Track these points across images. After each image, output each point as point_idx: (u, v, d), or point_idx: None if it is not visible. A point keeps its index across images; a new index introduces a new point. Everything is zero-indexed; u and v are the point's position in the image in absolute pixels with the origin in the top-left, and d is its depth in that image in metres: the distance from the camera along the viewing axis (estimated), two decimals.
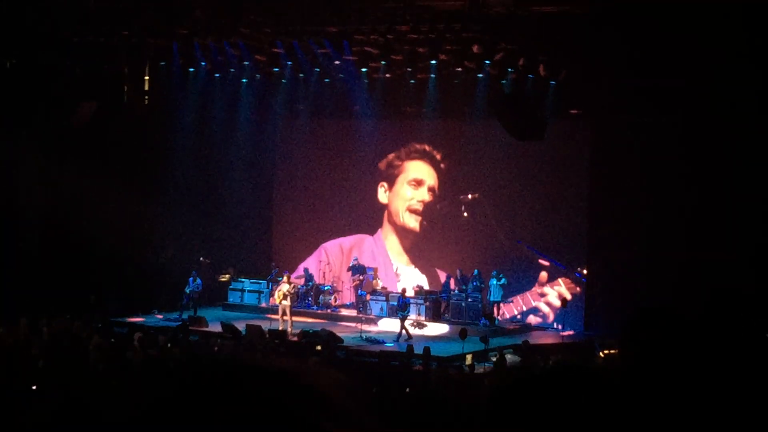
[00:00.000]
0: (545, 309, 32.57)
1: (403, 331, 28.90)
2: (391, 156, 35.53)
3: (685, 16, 25.46)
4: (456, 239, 34.17)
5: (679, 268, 28.00)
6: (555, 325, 31.95)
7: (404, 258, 35.40)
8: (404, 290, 30.44)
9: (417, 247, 35.20)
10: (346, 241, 36.20)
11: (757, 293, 25.24)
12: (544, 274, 32.66)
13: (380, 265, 35.07)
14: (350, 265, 34.31)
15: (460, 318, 30.93)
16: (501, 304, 31.71)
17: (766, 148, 26.85)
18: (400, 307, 29.48)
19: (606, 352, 23.53)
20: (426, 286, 33.92)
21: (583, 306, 31.80)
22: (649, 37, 26.40)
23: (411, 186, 35.25)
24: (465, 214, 34.16)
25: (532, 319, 32.68)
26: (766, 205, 27.00)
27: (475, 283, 31.74)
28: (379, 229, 35.86)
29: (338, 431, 1.46)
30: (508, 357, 25.04)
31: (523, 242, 32.88)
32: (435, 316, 31.57)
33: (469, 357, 24.68)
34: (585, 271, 31.92)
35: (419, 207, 35.09)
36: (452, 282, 32.60)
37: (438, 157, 34.78)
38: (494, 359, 24.40)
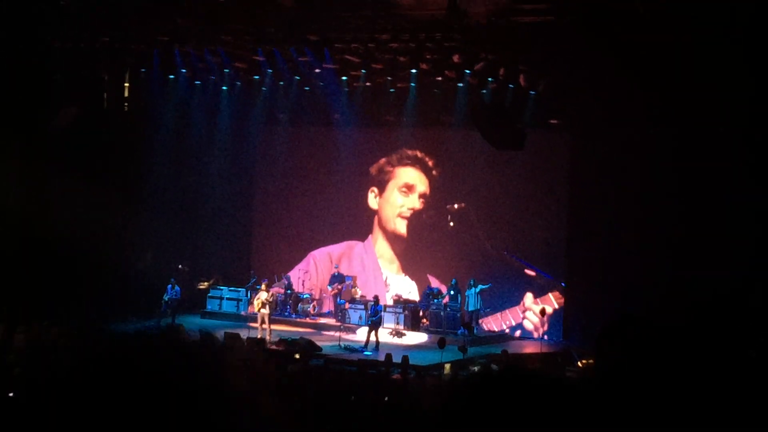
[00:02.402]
0: (529, 326, 32.51)
1: (372, 338, 28.88)
2: (382, 161, 35.48)
3: (667, 26, 25.57)
4: (444, 249, 34.13)
5: (657, 277, 28.07)
6: (534, 335, 31.97)
7: (395, 265, 35.33)
8: (377, 297, 30.43)
9: (408, 254, 35.16)
10: (335, 249, 36.13)
11: (737, 304, 25.41)
12: (529, 295, 32.62)
13: (370, 273, 35.07)
14: (332, 274, 34.30)
15: (439, 327, 30.94)
16: (480, 313, 31.71)
17: (746, 159, 26.94)
18: (371, 314, 29.48)
19: (584, 361, 23.56)
20: (416, 295, 33.91)
21: (562, 315, 31.84)
22: (630, 48, 26.49)
23: (402, 193, 35.22)
24: (451, 224, 34.15)
25: (517, 333, 32.63)
26: (746, 217, 27.11)
27: (451, 293, 31.77)
28: (370, 236, 35.82)
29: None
30: (493, 367, 25.02)
31: (510, 252, 32.89)
32: (414, 325, 31.57)
33: (447, 366, 24.67)
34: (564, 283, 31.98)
35: (409, 214, 35.07)
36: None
37: (430, 163, 34.76)
38: (476, 369, 24.36)
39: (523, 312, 32.72)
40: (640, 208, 29.09)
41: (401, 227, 35.20)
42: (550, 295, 32.27)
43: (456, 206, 34.02)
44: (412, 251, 35.06)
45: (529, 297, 32.65)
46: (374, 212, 35.77)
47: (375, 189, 35.68)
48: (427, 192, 34.83)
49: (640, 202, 29.09)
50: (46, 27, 30.49)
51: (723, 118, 26.94)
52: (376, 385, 19.88)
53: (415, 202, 34.98)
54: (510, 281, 32.71)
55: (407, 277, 35.07)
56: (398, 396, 18.43)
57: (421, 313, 32.05)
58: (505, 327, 32.82)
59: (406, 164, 35.22)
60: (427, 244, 34.63)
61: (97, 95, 35.07)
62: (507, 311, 32.80)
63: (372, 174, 35.60)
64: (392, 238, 35.46)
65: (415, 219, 34.95)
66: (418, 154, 34.95)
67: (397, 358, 23.82)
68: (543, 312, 30.82)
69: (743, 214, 27.14)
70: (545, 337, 31.60)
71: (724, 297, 25.96)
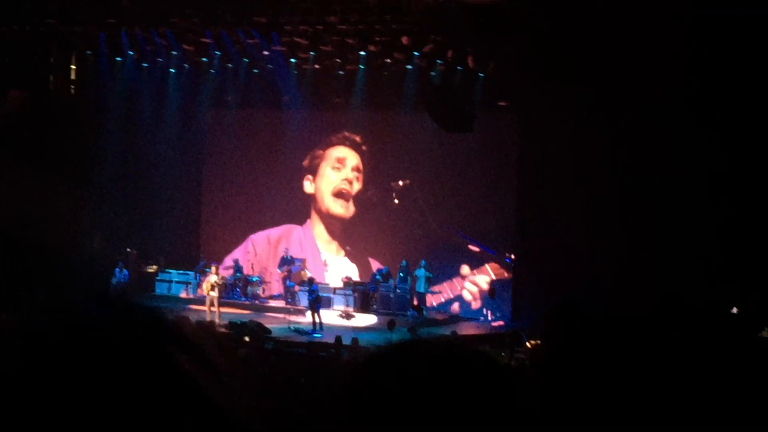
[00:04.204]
0: (468, 297, 32.78)
1: (316, 319, 28.95)
2: (313, 151, 35.53)
3: (616, 9, 25.73)
4: (387, 227, 34.16)
5: (605, 258, 28.29)
6: (484, 312, 32.12)
7: (333, 247, 35.36)
8: (312, 279, 30.43)
9: (346, 236, 35.16)
10: (274, 233, 36.09)
11: (685, 286, 25.70)
12: (465, 267, 32.88)
13: (308, 255, 35.01)
14: (281, 257, 34.26)
15: (389, 309, 31.00)
16: (428, 296, 31.85)
17: (694, 139, 27.21)
18: (308, 295, 29.50)
19: (532, 342, 23.70)
20: (356, 276, 33.95)
21: (510, 295, 32.05)
22: (578, 30, 26.63)
23: (335, 169, 35.25)
24: (396, 201, 34.21)
25: (456, 307, 32.85)
26: (695, 196, 27.41)
27: (401, 274, 31.86)
28: (308, 220, 35.81)
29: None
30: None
31: (454, 229, 33.02)
32: (363, 307, 31.62)
33: None
34: (513, 256, 32.22)
35: (345, 187, 35.01)
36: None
37: (358, 139, 34.85)
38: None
39: (461, 284, 32.95)
40: (588, 188, 29.28)
41: (336, 207, 35.18)
42: (487, 266, 32.51)
43: (401, 183, 34.08)
44: (351, 233, 35.07)
45: (465, 268, 32.92)
46: (310, 197, 35.77)
47: (309, 176, 35.71)
48: (359, 165, 34.89)
49: (588, 182, 29.28)
50: None
51: (673, 100, 27.16)
52: (326, 366, 19.92)
53: (348, 174, 35.00)
54: (446, 255, 32.87)
55: (347, 259, 35.11)
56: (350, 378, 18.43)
57: (371, 295, 32.09)
58: (443, 300, 33.01)
59: (334, 144, 35.34)
60: (368, 225, 34.64)
61: (43, 78, 34.73)
62: (445, 284, 33.00)
63: (305, 166, 35.61)
64: (328, 219, 35.44)
65: (358, 199, 34.95)
66: (346, 133, 35.10)
67: (346, 340, 23.89)
68: (492, 293, 30.95)
69: (695, 196, 27.43)
70: (490, 316, 31.74)
71: (673, 277, 26.29)
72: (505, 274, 32.34)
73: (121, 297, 1.54)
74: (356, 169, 34.97)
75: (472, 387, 1.54)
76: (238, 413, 1.43)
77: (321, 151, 35.44)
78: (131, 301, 1.51)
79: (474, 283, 32.80)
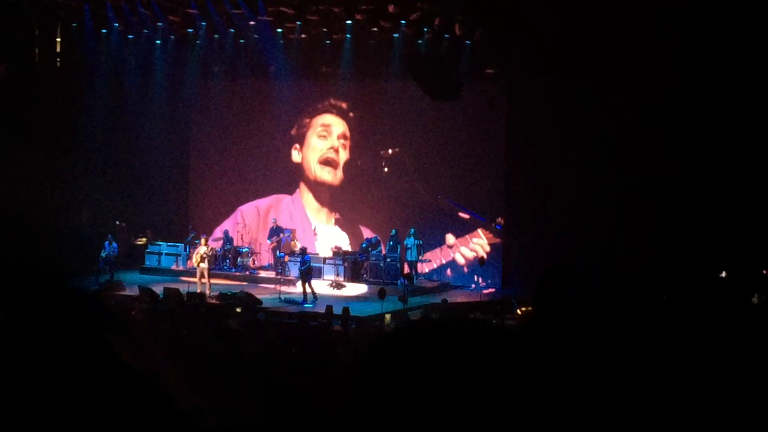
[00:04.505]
0: (458, 264, 32.87)
1: (307, 289, 28.93)
2: (300, 120, 35.44)
3: None
4: (377, 196, 34.17)
5: (595, 225, 28.38)
6: (474, 279, 32.17)
7: (323, 215, 35.36)
8: (304, 249, 30.40)
9: (335, 204, 35.17)
10: (263, 203, 36.07)
11: (673, 250, 25.81)
12: (454, 235, 32.96)
13: (298, 224, 35.02)
14: (270, 227, 34.23)
15: (379, 278, 31.03)
16: (419, 264, 31.90)
17: (679, 106, 27.27)
18: (300, 265, 29.43)
19: (523, 309, 23.76)
20: (347, 245, 33.96)
21: (501, 263, 32.14)
22: None
23: (321, 137, 35.20)
24: (386, 169, 34.18)
25: (447, 275, 32.93)
26: (680, 161, 27.49)
27: (391, 243, 31.87)
28: (297, 190, 35.77)
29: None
30: (433, 316, 25.16)
31: (443, 196, 33.05)
32: (354, 277, 31.65)
33: (387, 316, 24.82)
34: (502, 222, 32.30)
35: (332, 155, 34.98)
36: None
37: (344, 106, 34.80)
38: (416, 318, 24.51)
39: (451, 251, 33.02)
40: (575, 154, 29.35)
41: (323, 174, 35.16)
42: (478, 231, 32.60)
43: (390, 151, 34.04)
44: (341, 202, 35.09)
45: (450, 237, 33.02)
46: (298, 166, 35.71)
47: (297, 145, 35.63)
48: (346, 132, 34.84)
49: (575, 148, 29.33)
50: None
51: (662, 71, 27.18)
52: (317, 336, 19.95)
53: (334, 142, 34.98)
54: (436, 222, 32.95)
55: (337, 227, 35.12)
56: (339, 347, 18.51)
57: (360, 265, 32.10)
58: (434, 267, 33.10)
59: (320, 112, 35.25)
60: (358, 193, 34.65)
61: (28, 50, 34.54)
62: (435, 251, 33.08)
63: (293, 135, 35.54)
64: (316, 187, 35.43)
65: (346, 168, 34.90)
66: (331, 101, 35.07)
67: (337, 310, 23.91)
68: (482, 261, 31.02)
69: (683, 163, 27.51)
70: (481, 283, 31.82)
71: (659, 241, 26.40)
72: (496, 241, 32.40)
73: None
74: (342, 136, 34.91)
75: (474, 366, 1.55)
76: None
77: (308, 120, 35.38)
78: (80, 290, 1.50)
79: (464, 250, 32.86)
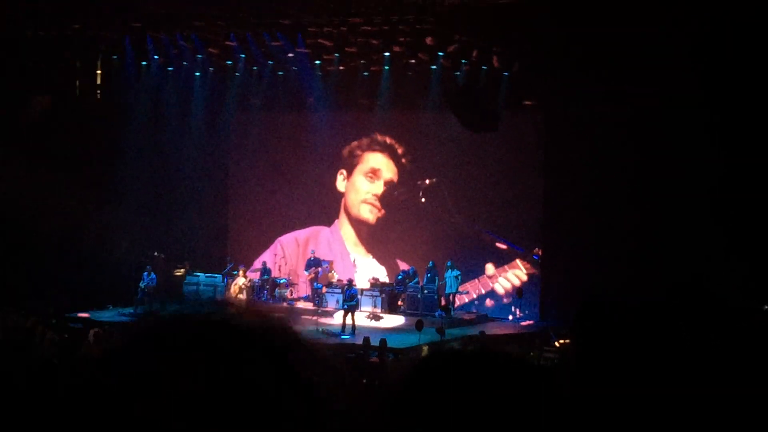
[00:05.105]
0: (496, 296, 32.75)
1: (348, 321, 28.87)
2: (354, 144, 35.35)
3: (639, 8, 25.63)
4: (414, 227, 34.10)
5: (632, 256, 28.19)
6: (512, 310, 32.01)
7: (361, 249, 35.35)
8: (351, 281, 30.42)
9: (374, 238, 35.13)
10: (302, 234, 36.11)
11: (712, 281, 25.55)
12: (492, 266, 32.84)
13: (337, 256, 35.02)
14: (308, 258, 34.23)
15: (416, 310, 30.94)
16: (457, 296, 31.80)
17: (716, 138, 27.07)
18: (346, 298, 29.42)
19: (561, 342, 23.64)
20: (384, 277, 33.93)
21: (538, 294, 31.98)
22: (602, 29, 26.52)
23: (367, 178, 35.18)
24: (423, 200, 34.16)
25: (484, 307, 32.78)
26: (718, 195, 27.25)
27: (428, 275, 31.80)
28: (336, 220, 35.80)
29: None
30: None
31: (481, 227, 32.98)
32: (391, 308, 31.60)
33: (425, 348, 24.73)
34: (540, 254, 32.18)
35: (374, 201, 35.01)
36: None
37: (399, 151, 34.71)
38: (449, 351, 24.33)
39: (489, 282, 32.89)
40: (613, 186, 29.18)
41: (365, 213, 35.15)
42: (516, 262, 32.47)
43: (428, 182, 34.00)
44: (379, 235, 35.04)
45: (490, 267, 32.88)
46: (342, 195, 35.75)
47: (344, 171, 35.61)
48: (394, 179, 34.77)
49: (613, 180, 29.17)
50: (17, 16, 30.28)
51: (698, 93, 27.04)
52: (354, 368, 19.91)
53: (380, 188, 34.95)
54: (473, 253, 32.85)
55: (375, 259, 35.08)
56: (376, 379, 18.46)
57: (398, 296, 32.05)
58: (472, 297, 32.97)
59: (374, 150, 35.15)
60: (395, 226, 34.56)
61: (69, 83, 34.88)
62: (473, 282, 32.96)
63: (344, 156, 35.53)
64: (357, 222, 35.43)
65: (384, 200, 34.88)
66: (388, 140, 34.83)
67: (374, 342, 23.87)
68: (520, 292, 30.89)
69: (724, 191, 27.25)
70: (518, 315, 31.69)
71: (700, 273, 26.14)
72: (533, 271, 32.28)
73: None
74: (389, 183, 34.85)
75: (506, 396, 1.53)
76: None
77: (360, 152, 35.29)
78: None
79: (502, 281, 32.74)
